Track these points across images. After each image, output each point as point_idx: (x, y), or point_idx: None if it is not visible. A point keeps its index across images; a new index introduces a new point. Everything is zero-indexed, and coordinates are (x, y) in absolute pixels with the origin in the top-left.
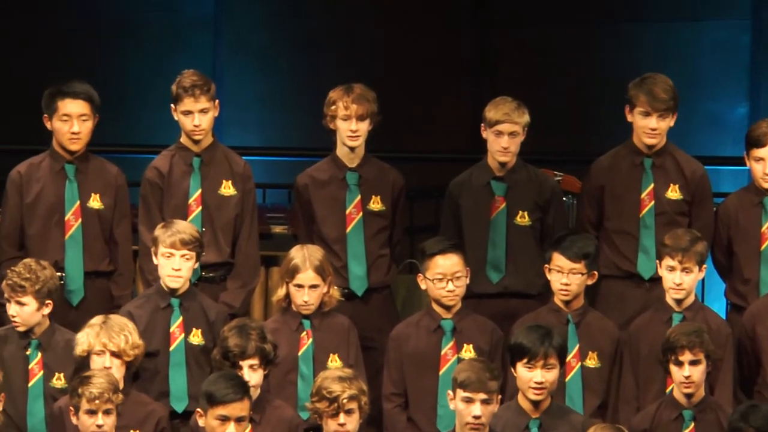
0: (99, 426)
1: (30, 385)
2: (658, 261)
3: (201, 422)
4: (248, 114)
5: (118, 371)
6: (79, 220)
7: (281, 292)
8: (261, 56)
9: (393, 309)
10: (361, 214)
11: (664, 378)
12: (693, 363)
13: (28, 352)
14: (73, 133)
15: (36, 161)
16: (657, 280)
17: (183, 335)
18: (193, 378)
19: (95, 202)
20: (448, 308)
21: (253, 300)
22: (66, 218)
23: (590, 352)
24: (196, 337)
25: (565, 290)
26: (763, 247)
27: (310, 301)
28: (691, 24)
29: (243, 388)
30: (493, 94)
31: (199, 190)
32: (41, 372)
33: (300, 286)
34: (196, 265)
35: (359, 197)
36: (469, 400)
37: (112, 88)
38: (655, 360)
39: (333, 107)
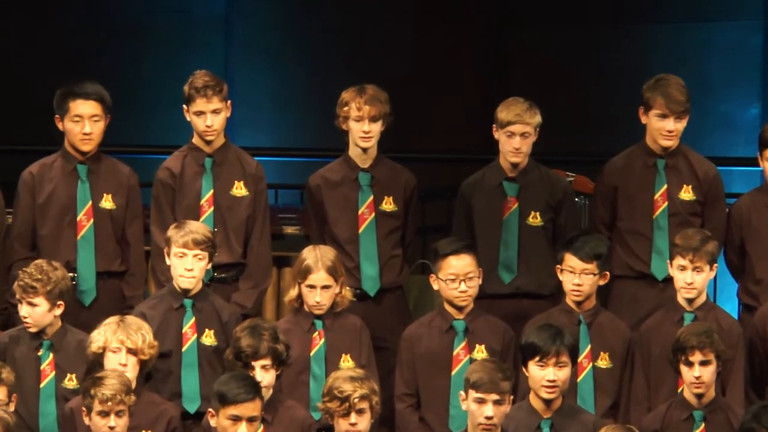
0: (111, 428)
1: (42, 385)
2: (669, 261)
3: (213, 422)
4: (260, 114)
5: (132, 370)
6: (91, 221)
7: (293, 292)
8: (273, 57)
9: (405, 309)
10: (373, 214)
11: (675, 378)
12: (703, 363)
13: (39, 353)
14: (85, 134)
15: (48, 162)
16: (670, 280)
17: (195, 336)
18: (205, 378)
19: (107, 203)
20: (460, 309)
21: (266, 300)
22: (78, 218)
23: (602, 353)
24: (209, 338)
25: (577, 291)
26: None
27: (322, 301)
28: (702, 25)
29: (254, 388)
30: (505, 95)
31: (211, 191)
32: (53, 373)
33: (312, 286)
34: (209, 266)
35: (372, 198)
36: (481, 401)
37: (124, 88)
38: (666, 360)
39: (345, 108)
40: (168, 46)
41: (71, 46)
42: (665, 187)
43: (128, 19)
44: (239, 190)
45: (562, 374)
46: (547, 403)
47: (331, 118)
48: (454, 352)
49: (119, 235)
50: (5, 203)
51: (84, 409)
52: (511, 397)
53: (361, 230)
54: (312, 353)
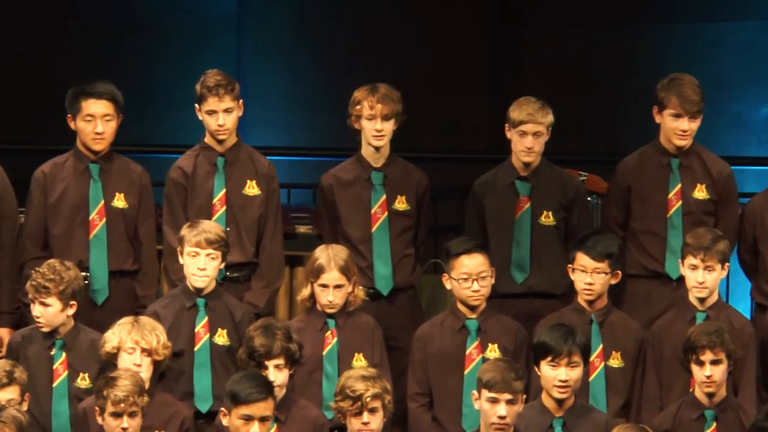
0: (124, 429)
1: (54, 385)
2: (680, 260)
3: (225, 422)
4: (272, 114)
5: (147, 370)
6: (104, 220)
7: (306, 291)
8: (285, 56)
9: (418, 309)
10: (386, 214)
11: (687, 378)
12: (714, 363)
13: (52, 353)
14: (97, 134)
15: (60, 161)
16: (684, 279)
17: (208, 335)
18: (218, 378)
19: (119, 202)
20: (472, 308)
21: (278, 300)
22: (90, 218)
23: (613, 352)
24: (222, 338)
25: (589, 290)
26: None
27: (334, 300)
28: (715, 25)
29: (267, 387)
30: (517, 94)
31: (224, 190)
32: (66, 372)
33: (325, 286)
34: (222, 265)
35: (384, 197)
36: (494, 401)
37: (137, 88)
38: (678, 360)
39: (358, 107)
40: (180, 46)
41: (83, 46)
42: (679, 186)
43: (140, 18)
44: (251, 189)
45: (574, 374)
46: (559, 402)
47: (343, 118)
48: (467, 352)
49: (131, 235)
50: (17, 202)
51: (97, 408)
52: (524, 396)
53: (373, 229)
54: (324, 352)
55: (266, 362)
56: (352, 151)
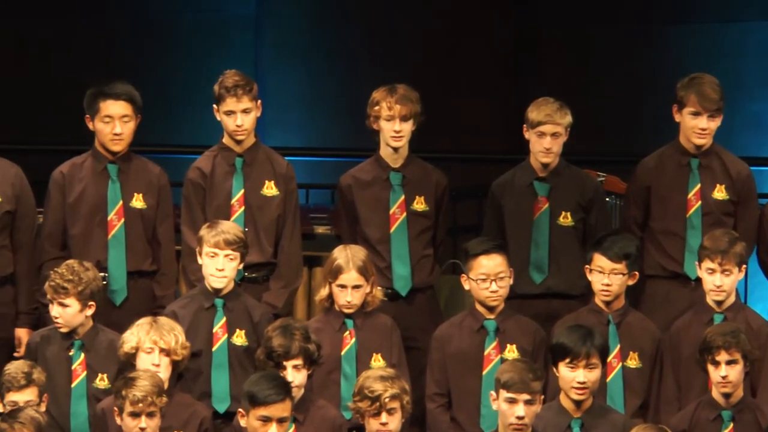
0: (142, 429)
1: (73, 385)
2: (697, 263)
3: (243, 422)
4: (290, 114)
5: (165, 370)
6: (122, 220)
7: (324, 292)
8: (303, 57)
9: (436, 309)
10: (404, 214)
11: (705, 379)
12: (729, 363)
13: (71, 353)
14: (115, 134)
15: (78, 161)
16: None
17: (226, 336)
18: (236, 379)
19: (138, 202)
20: (491, 309)
21: (297, 300)
22: (109, 218)
23: (631, 353)
24: (240, 338)
25: (606, 291)
26: None
27: (353, 301)
28: (734, 25)
29: (285, 388)
30: (536, 95)
31: (242, 191)
32: (84, 373)
33: (343, 286)
34: (241, 266)
35: (403, 197)
36: (512, 401)
37: (155, 88)
38: (695, 360)
39: (376, 108)
40: (198, 46)
41: (101, 46)
42: (698, 186)
43: (159, 18)
44: (270, 189)
45: (593, 375)
46: (578, 403)
47: (361, 118)
48: (485, 352)
49: (150, 235)
50: (36, 203)
51: (116, 409)
52: (542, 396)
53: (392, 230)
54: (343, 353)
55: (284, 363)
56: (369, 152)
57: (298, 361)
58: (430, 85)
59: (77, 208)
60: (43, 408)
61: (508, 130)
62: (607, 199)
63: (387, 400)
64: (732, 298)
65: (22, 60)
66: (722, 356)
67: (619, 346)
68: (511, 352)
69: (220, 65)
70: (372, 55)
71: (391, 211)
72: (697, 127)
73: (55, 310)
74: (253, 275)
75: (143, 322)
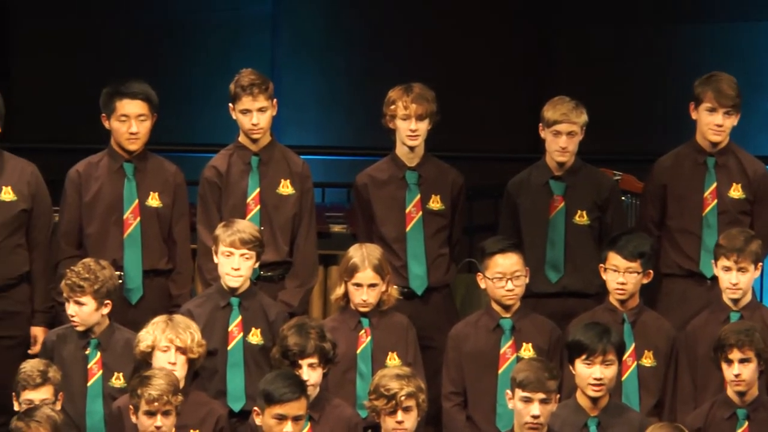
0: (158, 427)
1: (89, 384)
2: (713, 261)
3: (258, 421)
4: (306, 113)
5: (182, 369)
6: (138, 219)
7: (340, 290)
8: (319, 56)
9: (452, 308)
10: (420, 213)
11: (721, 378)
12: (743, 361)
13: (87, 352)
14: (131, 134)
15: (94, 160)
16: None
17: (241, 334)
18: (251, 377)
19: (154, 201)
20: (507, 307)
21: (312, 299)
22: (124, 217)
23: (646, 351)
24: (255, 337)
25: (621, 289)
26: None
27: (368, 299)
28: (751, 24)
29: (300, 387)
30: (552, 94)
31: (258, 189)
32: (100, 371)
33: (359, 285)
34: (256, 265)
35: (419, 196)
36: (527, 400)
37: (171, 87)
38: (710, 359)
39: (392, 107)
40: (215, 45)
41: (118, 45)
42: (715, 185)
43: (175, 18)
44: (285, 188)
45: (609, 372)
46: (594, 401)
47: (377, 117)
48: (501, 351)
49: (166, 234)
50: (52, 201)
51: (131, 407)
52: (558, 395)
53: (408, 229)
54: (358, 351)
55: (300, 361)
56: (385, 151)
57: (314, 360)
58: (447, 84)
59: (93, 206)
60: (58, 406)
61: (524, 129)
62: (623, 198)
63: (403, 398)
64: (748, 297)
65: (39, 60)
66: (735, 354)
67: (634, 344)
68: (527, 351)
69: (236, 64)
70: (388, 53)
71: (407, 210)
72: (712, 123)
73: (71, 309)
74: (269, 274)
75: (159, 320)
